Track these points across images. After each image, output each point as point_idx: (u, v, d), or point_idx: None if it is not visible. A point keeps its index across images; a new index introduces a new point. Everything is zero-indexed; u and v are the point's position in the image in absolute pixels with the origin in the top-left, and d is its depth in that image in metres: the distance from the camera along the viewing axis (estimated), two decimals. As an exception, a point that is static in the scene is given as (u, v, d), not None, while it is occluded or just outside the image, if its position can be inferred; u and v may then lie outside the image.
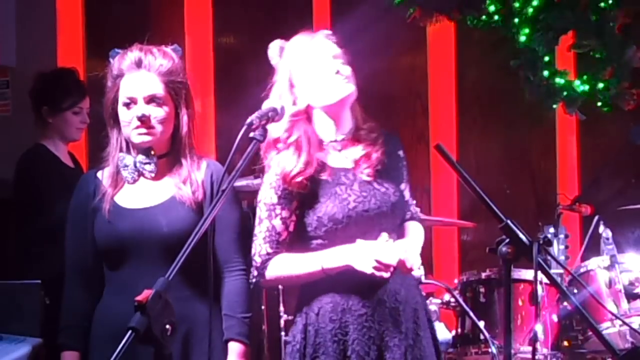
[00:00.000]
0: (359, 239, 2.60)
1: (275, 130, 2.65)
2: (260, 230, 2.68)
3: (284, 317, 4.28)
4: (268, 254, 2.67)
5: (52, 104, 3.94)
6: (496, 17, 5.23)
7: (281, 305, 4.26)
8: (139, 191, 2.69)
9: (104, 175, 2.72)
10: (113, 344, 2.53)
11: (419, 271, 2.74)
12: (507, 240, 2.02)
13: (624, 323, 3.87)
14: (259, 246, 2.68)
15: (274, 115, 2.39)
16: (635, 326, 3.90)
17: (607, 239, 4.11)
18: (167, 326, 1.79)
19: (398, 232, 2.75)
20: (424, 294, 2.98)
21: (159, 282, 1.83)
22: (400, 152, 2.83)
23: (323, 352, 2.62)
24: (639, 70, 5.19)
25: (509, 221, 2.03)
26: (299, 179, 2.64)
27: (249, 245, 2.72)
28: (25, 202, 3.88)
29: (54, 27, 5.38)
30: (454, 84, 5.71)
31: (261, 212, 2.69)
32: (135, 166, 2.65)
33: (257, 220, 2.70)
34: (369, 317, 2.63)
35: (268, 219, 2.67)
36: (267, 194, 2.68)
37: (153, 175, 2.67)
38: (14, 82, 5.33)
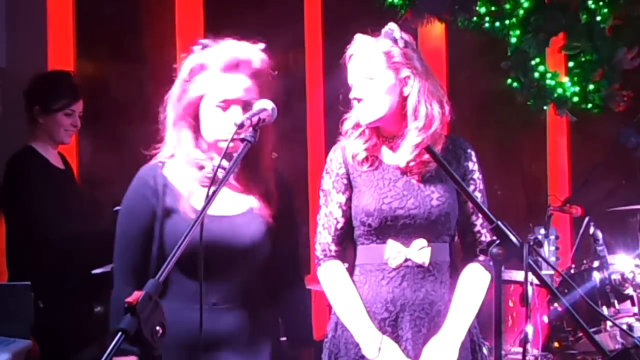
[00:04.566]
0: (391, 240, 2.61)
1: (347, 122, 2.69)
2: (320, 217, 2.71)
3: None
4: (327, 242, 2.68)
5: (43, 104, 3.90)
6: (487, 19, 5.25)
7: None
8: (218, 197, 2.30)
9: (172, 173, 2.48)
10: (181, 352, 2.38)
11: None
12: (498, 241, 2.02)
13: (614, 324, 3.88)
14: (318, 233, 2.70)
15: (265, 115, 2.36)
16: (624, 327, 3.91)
17: (598, 240, 4.12)
18: (157, 327, 1.78)
19: (441, 242, 2.65)
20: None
21: (149, 283, 1.81)
22: (469, 164, 2.72)
23: (345, 354, 2.64)
24: (629, 72, 5.21)
25: (499, 222, 2.02)
26: (363, 156, 2.65)
27: None
28: (13, 205, 3.85)
29: (44, 27, 5.35)
30: (445, 85, 5.69)
31: (320, 199, 2.72)
32: (213, 171, 2.33)
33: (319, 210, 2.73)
34: (390, 322, 2.62)
35: (325, 205, 2.69)
36: (324, 181, 2.71)
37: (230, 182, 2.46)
38: (3, 83, 5.31)
